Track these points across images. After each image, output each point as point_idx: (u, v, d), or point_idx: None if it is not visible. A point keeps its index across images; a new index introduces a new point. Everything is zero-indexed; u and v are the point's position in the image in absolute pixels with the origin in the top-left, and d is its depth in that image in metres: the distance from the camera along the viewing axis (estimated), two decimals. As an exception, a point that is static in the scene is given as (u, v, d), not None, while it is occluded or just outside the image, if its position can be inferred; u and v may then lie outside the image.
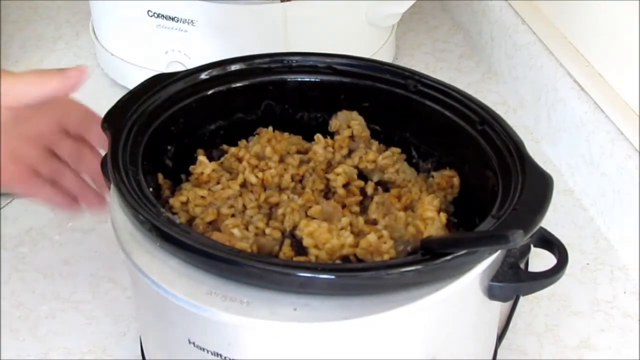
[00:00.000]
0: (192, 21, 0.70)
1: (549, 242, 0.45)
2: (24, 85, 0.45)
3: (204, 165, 0.48)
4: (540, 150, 0.74)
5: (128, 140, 0.44)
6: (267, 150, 0.49)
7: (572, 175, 0.70)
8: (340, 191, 0.48)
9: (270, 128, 0.52)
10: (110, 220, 0.42)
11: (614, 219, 0.65)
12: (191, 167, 0.48)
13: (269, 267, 0.36)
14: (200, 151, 0.50)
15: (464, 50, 0.87)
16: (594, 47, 0.68)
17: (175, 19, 0.71)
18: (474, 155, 0.47)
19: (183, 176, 0.49)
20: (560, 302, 0.61)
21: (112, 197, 0.43)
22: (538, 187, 0.42)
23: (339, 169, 0.49)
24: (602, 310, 0.60)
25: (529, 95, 0.76)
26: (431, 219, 0.44)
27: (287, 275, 0.36)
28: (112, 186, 0.42)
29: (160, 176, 0.48)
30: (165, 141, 0.49)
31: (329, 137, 0.52)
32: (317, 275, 0.36)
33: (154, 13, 0.71)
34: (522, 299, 0.54)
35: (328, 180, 0.49)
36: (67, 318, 0.56)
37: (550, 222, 0.66)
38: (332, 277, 0.36)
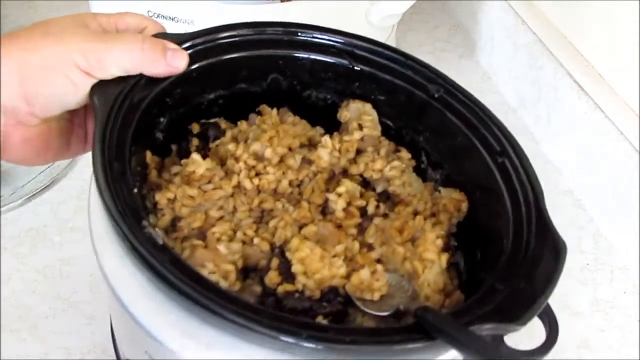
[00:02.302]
0: (192, 21, 0.70)
1: (543, 311, 0.40)
2: (119, 58, 0.41)
3: (197, 164, 0.44)
4: (540, 150, 0.74)
5: (117, 119, 0.40)
6: (267, 151, 0.45)
7: (572, 175, 0.70)
8: (339, 214, 0.45)
9: (274, 111, 0.48)
10: (87, 209, 0.40)
11: (614, 219, 0.65)
12: (183, 161, 0.45)
13: (238, 319, 0.33)
14: (194, 125, 0.47)
15: (464, 50, 0.87)
16: (594, 47, 0.68)
17: (175, 19, 0.71)
18: (488, 187, 0.43)
19: (174, 147, 0.47)
20: (560, 302, 0.61)
21: (92, 187, 0.40)
22: (550, 254, 0.38)
23: (341, 188, 0.45)
24: (602, 310, 0.60)
25: (529, 95, 0.76)
26: (431, 261, 0.42)
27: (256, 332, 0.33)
28: (92, 178, 0.38)
29: (148, 154, 0.44)
30: (158, 114, 0.45)
31: (335, 138, 0.48)
32: (299, 342, 0.32)
33: (154, 13, 0.71)
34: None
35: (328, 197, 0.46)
36: (67, 318, 0.56)
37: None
38: (314, 345, 0.32)
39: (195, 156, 0.44)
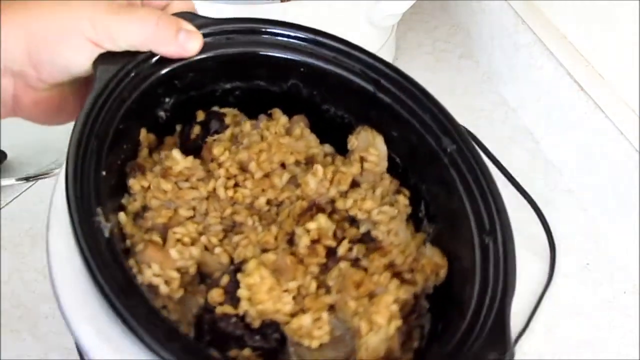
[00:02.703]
0: (192, 21, 0.70)
1: None
2: (130, 32, 0.39)
3: (175, 161, 0.42)
4: (540, 150, 0.74)
5: (113, 94, 0.38)
6: (251, 165, 0.43)
7: (572, 175, 0.70)
8: (302, 250, 0.42)
9: (283, 119, 0.46)
10: (50, 200, 0.40)
11: (614, 219, 0.65)
12: (165, 153, 0.43)
13: (147, 339, 0.32)
14: (199, 112, 0.45)
15: (464, 50, 0.87)
16: (594, 47, 0.68)
17: (175, 19, 0.71)
18: (466, 263, 0.41)
19: (178, 127, 0.45)
20: (560, 302, 0.61)
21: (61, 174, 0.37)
22: (494, 357, 0.35)
23: (312, 224, 0.42)
24: (602, 310, 0.60)
25: (529, 95, 0.76)
26: (378, 326, 0.39)
27: None
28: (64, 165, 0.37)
29: (142, 131, 0.43)
30: (164, 94, 0.43)
31: (330, 168, 0.45)
32: None
33: (154, 13, 0.71)
34: (521, 300, 0.54)
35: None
36: (67, 318, 0.56)
37: (551, 222, 0.66)
38: None
39: (175, 153, 0.43)
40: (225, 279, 0.40)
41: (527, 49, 0.75)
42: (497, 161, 0.68)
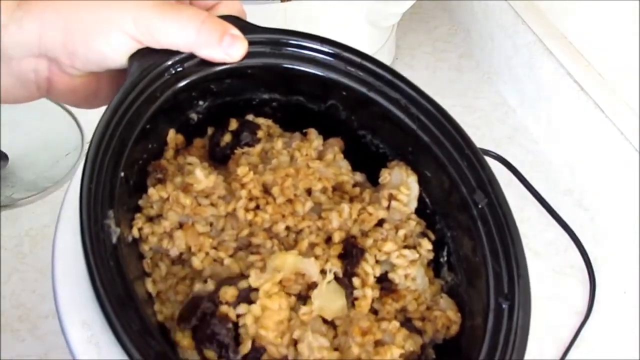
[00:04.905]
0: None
1: None
2: (173, 32, 0.38)
3: (197, 180, 0.41)
4: (540, 150, 0.74)
5: (144, 93, 0.37)
6: (275, 189, 0.42)
7: (572, 175, 0.70)
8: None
9: (317, 142, 0.45)
10: (61, 207, 0.39)
11: (614, 219, 0.65)
12: (187, 167, 0.42)
13: (126, 341, 0.32)
14: (232, 121, 0.44)
15: (464, 50, 0.87)
16: (594, 47, 0.68)
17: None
18: (478, 323, 0.39)
19: (210, 129, 0.44)
20: (560, 302, 0.61)
21: (73, 187, 0.37)
22: None
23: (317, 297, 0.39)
24: (602, 310, 0.60)
25: (529, 95, 0.76)
26: None
27: None
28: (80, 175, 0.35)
29: (171, 132, 0.42)
30: (198, 97, 0.42)
31: (356, 207, 0.43)
32: None
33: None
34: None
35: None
36: (67, 318, 0.56)
37: (551, 222, 0.66)
38: None
39: (198, 172, 0.41)
40: (244, 284, 0.38)
41: (527, 49, 0.75)
42: (531, 186, 0.68)
